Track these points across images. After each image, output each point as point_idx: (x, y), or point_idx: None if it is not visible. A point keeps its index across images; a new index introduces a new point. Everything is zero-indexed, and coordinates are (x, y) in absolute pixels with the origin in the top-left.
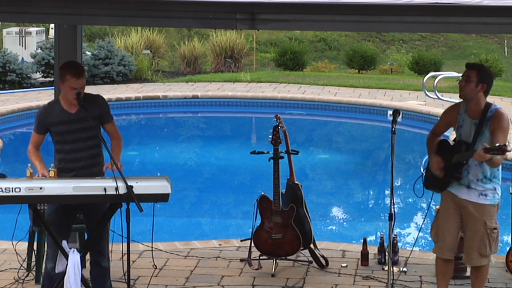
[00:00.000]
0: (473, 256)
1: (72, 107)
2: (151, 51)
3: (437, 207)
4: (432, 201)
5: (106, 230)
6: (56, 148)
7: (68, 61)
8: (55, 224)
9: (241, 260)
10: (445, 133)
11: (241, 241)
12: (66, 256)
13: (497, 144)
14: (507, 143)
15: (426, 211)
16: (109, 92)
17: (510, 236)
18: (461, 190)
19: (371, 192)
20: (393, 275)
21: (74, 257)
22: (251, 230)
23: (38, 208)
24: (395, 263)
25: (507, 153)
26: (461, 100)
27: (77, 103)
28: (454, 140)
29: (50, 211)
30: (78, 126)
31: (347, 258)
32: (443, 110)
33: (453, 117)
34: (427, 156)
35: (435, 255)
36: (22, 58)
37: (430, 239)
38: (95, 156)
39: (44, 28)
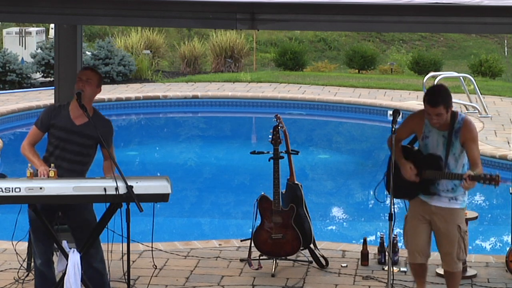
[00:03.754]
0: (451, 261)
1: (78, 119)
2: (151, 51)
3: (406, 214)
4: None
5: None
6: (47, 148)
7: None
8: (37, 222)
9: (241, 260)
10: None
11: (241, 241)
12: (66, 256)
13: (487, 174)
14: (498, 173)
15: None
16: (109, 92)
17: (510, 236)
18: (432, 197)
19: (371, 192)
20: (393, 275)
21: (74, 257)
22: (251, 230)
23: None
24: (395, 263)
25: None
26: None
27: (83, 114)
28: (410, 143)
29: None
30: (77, 139)
31: (347, 258)
32: None
33: (418, 125)
34: (388, 162)
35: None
36: (22, 58)
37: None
38: (77, 172)
39: (44, 28)
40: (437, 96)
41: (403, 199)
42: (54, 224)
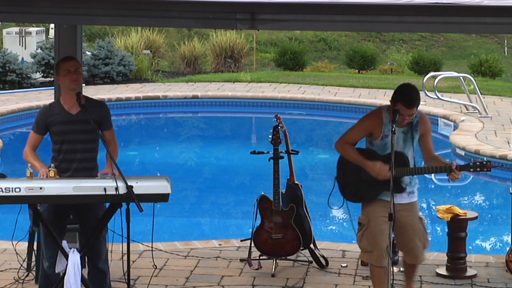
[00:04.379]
0: (420, 253)
1: (73, 108)
2: (151, 51)
3: (362, 217)
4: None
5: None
6: (54, 148)
7: None
8: (48, 224)
9: (241, 260)
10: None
11: (241, 241)
12: (66, 256)
13: (474, 162)
14: (485, 159)
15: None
16: (109, 92)
17: (510, 236)
18: (395, 194)
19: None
20: (393, 275)
21: (74, 257)
22: (251, 230)
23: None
24: (395, 263)
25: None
26: (378, 106)
27: (77, 103)
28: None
29: (43, 210)
30: (78, 128)
31: (347, 258)
32: (442, 110)
33: (377, 125)
34: (337, 166)
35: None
36: (22, 58)
37: (429, 239)
38: (90, 160)
39: (44, 28)
40: (414, 98)
41: (362, 202)
42: (66, 224)
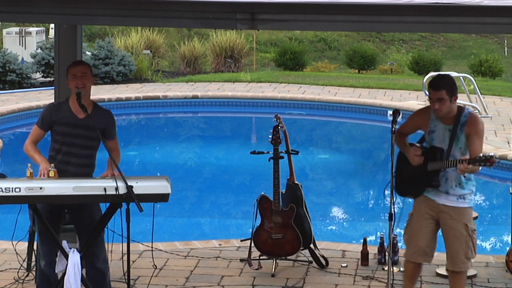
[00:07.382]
0: (459, 260)
1: (80, 113)
2: (151, 51)
3: (411, 212)
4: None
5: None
6: (52, 146)
7: None
8: (43, 223)
9: (241, 260)
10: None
11: (241, 241)
12: (66, 256)
13: (482, 155)
14: (492, 154)
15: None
16: (109, 92)
17: (510, 236)
18: (440, 195)
19: (371, 192)
20: (393, 275)
21: (74, 257)
22: (251, 230)
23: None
24: (395, 263)
25: (496, 161)
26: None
27: (79, 104)
28: (420, 142)
29: (39, 209)
30: (81, 133)
31: (347, 258)
32: None
33: (424, 120)
34: (395, 161)
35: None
36: (22, 58)
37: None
38: (86, 166)
39: (44, 28)
40: (440, 81)
41: (409, 197)
42: (61, 224)
